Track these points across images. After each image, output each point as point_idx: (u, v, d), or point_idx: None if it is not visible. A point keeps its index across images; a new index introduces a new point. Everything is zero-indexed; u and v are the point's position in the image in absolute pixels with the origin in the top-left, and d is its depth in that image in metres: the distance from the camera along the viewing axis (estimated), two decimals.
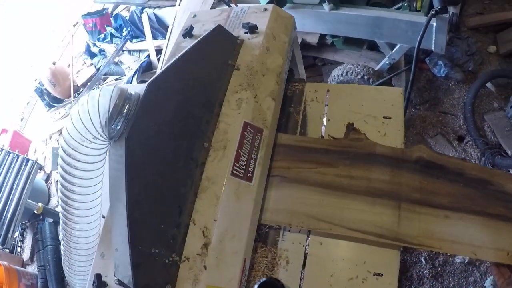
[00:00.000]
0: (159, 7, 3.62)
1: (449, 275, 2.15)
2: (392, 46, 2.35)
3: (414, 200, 1.15)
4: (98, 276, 1.05)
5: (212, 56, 1.28)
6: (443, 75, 2.75)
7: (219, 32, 1.32)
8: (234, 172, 1.09)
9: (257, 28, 1.38)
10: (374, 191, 1.17)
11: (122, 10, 4.51)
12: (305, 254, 1.17)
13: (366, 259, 1.12)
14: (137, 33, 3.78)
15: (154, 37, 3.63)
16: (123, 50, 3.85)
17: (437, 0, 1.86)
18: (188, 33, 1.46)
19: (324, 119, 1.45)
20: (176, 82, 1.15)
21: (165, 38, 3.52)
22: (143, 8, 3.73)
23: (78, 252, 1.24)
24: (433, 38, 2.02)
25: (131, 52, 3.81)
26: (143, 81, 2.33)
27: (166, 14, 3.57)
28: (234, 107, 1.21)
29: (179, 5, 3.22)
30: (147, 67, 3.48)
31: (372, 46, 2.78)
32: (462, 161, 1.24)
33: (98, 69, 3.96)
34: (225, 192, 1.05)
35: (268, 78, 1.32)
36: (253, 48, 1.34)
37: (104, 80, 3.96)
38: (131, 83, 3.37)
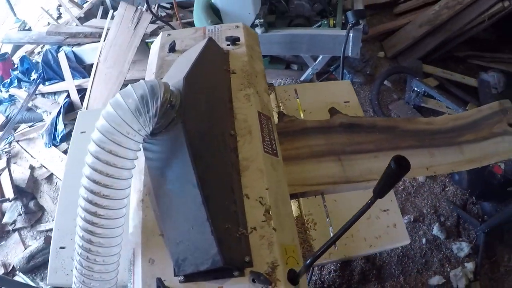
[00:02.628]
0: (79, 44, 3.46)
1: None
2: (315, 58, 2.70)
3: (348, 151, 1.44)
4: (160, 280, 0.93)
5: (213, 63, 1.38)
6: (348, 80, 3.22)
7: (212, 44, 1.38)
8: (265, 149, 1.16)
9: (239, 40, 1.49)
10: (316, 154, 1.43)
11: (27, 53, 4.14)
12: (327, 213, 1.31)
13: None
14: (50, 75, 3.52)
15: (72, 76, 3.41)
16: (36, 94, 3.54)
17: (351, 16, 2.24)
18: (172, 48, 1.53)
19: (301, 110, 1.67)
20: (200, 80, 1.19)
21: (83, 77, 3.42)
22: (59, 47, 3.52)
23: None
24: (350, 46, 2.40)
25: (46, 95, 3.52)
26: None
27: (86, 51, 3.42)
28: (244, 101, 1.29)
29: (104, 40, 3.14)
30: (69, 108, 3.28)
31: (287, 65, 3.12)
32: (372, 118, 1.62)
33: (8, 117, 3.55)
34: (265, 165, 1.11)
35: (259, 79, 1.44)
36: (239, 56, 1.44)
37: (15, 129, 3.54)
38: (56, 125, 3.13)
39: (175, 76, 1.16)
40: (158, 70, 1.45)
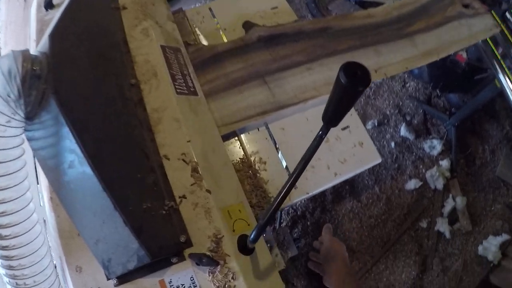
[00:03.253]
0: None
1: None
2: None
3: (273, 70, 1.15)
4: None
5: (92, 6, 1.05)
6: None
7: None
8: (178, 90, 0.89)
9: None
10: (235, 82, 1.12)
11: None
12: (276, 147, 1.05)
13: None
14: None
15: None
16: None
17: None
18: (48, 4, 1.17)
19: (222, 32, 1.35)
20: (75, 31, 0.90)
21: None
22: None
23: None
24: None
25: None
26: None
27: None
28: (142, 37, 0.99)
29: None
30: None
31: None
32: (296, 22, 1.30)
33: None
34: (181, 111, 0.85)
35: (158, 6, 1.10)
36: None
37: None
38: None
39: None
40: (38, 36, 1.10)
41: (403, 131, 2.30)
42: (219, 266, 0.70)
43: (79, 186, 0.74)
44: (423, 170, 2.21)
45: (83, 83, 0.79)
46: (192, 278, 0.72)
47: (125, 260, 0.71)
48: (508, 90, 1.56)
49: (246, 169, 1.01)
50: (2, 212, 0.70)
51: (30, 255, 0.73)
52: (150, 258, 0.66)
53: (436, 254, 2.05)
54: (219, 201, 0.77)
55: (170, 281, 0.72)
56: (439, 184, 2.12)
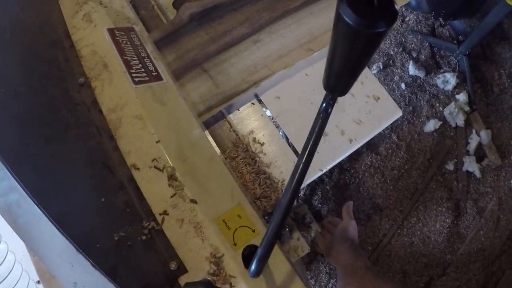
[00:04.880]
0: None
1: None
2: None
3: (212, 53, 0.91)
4: None
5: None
6: None
7: None
8: (136, 79, 0.70)
9: None
10: (175, 74, 0.87)
11: None
12: (275, 122, 0.88)
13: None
14: None
15: None
16: None
17: None
18: None
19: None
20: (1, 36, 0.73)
21: None
22: None
23: None
24: None
25: None
26: None
27: None
28: (84, 25, 0.80)
29: None
30: None
31: None
32: None
33: None
34: (143, 106, 0.67)
35: None
36: None
37: None
38: None
39: None
40: None
41: (412, 69, 2.08)
42: None
43: (34, 229, 0.58)
44: (440, 108, 2.01)
45: (16, 99, 0.62)
46: None
47: None
48: None
49: (242, 155, 0.84)
50: None
51: None
52: None
53: (469, 196, 1.89)
54: (210, 210, 0.60)
55: None
56: (460, 121, 1.93)
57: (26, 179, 0.52)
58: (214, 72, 0.88)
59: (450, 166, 1.91)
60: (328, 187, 2.00)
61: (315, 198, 1.93)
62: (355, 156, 2.02)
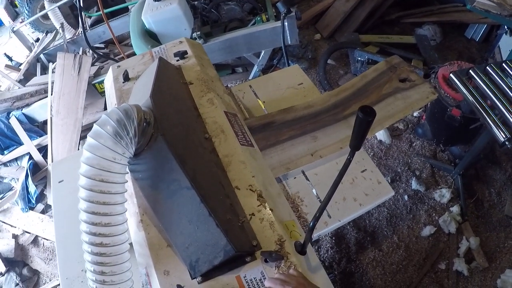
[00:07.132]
0: (27, 105, 3.36)
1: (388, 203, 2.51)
2: (258, 55, 2.77)
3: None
4: (179, 286, 0.96)
5: (169, 79, 1.42)
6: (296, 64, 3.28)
7: (163, 63, 1.42)
8: (241, 143, 1.22)
9: (187, 53, 1.54)
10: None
11: None
12: (312, 186, 1.38)
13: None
14: (7, 143, 3.40)
15: (29, 138, 3.30)
16: None
17: (281, 6, 2.33)
18: (126, 77, 1.56)
19: (261, 103, 1.74)
20: (163, 96, 1.23)
21: (39, 136, 3.35)
22: (9, 113, 3.39)
23: None
24: (288, 34, 2.43)
25: (8, 164, 3.39)
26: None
27: (36, 109, 3.34)
28: (208, 105, 1.34)
29: (51, 94, 3.08)
30: (35, 169, 3.20)
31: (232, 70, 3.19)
32: (247, 120, 1.57)
33: None
34: (245, 157, 1.16)
35: (216, 83, 1.50)
36: (191, 67, 1.49)
37: None
38: (28, 188, 3.04)
39: (141, 99, 1.19)
40: (119, 101, 1.47)
41: (414, 184, 2.56)
42: (283, 261, 0.97)
43: (178, 202, 1.03)
44: (436, 217, 2.42)
45: (177, 132, 1.14)
46: (262, 272, 0.98)
47: (212, 257, 0.96)
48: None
49: (290, 204, 1.30)
50: (107, 223, 0.96)
51: (120, 264, 0.99)
52: (235, 250, 0.92)
53: None
54: (278, 216, 1.06)
55: (245, 276, 0.97)
56: (452, 228, 2.33)
57: (187, 171, 0.99)
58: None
59: (442, 266, 2.26)
60: (336, 272, 2.34)
61: None
62: (361, 250, 2.41)
